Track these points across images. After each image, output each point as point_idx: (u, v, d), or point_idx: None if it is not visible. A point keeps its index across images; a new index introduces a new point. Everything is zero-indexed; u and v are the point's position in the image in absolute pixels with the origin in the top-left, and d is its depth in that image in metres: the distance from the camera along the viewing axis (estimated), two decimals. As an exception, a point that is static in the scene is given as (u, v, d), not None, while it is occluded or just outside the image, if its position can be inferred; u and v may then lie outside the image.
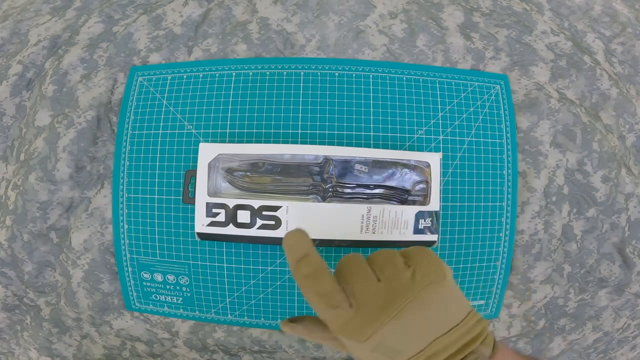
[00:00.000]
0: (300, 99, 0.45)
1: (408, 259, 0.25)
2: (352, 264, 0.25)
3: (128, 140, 0.45)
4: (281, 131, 0.44)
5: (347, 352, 0.29)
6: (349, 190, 0.40)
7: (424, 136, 0.45)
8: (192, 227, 0.44)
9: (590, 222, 0.47)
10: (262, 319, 0.46)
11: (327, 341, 0.27)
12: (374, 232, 0.40)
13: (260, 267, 0.44)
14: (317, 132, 0.44)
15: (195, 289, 0.45)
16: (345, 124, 0.44)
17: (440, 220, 0.44)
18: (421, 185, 0.41)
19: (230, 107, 0.45)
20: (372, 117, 0.45)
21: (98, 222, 0.45)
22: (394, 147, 0.44)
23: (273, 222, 0.39)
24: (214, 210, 0.40)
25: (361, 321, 0.23)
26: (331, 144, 0.44)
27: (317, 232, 0.40)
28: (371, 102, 0.45)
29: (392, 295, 0.23)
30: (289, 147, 0.40)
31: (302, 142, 0.44)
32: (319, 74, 0.46)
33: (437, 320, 0.23)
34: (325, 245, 0.40)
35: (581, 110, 0.48)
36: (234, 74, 0.46)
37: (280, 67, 0.46)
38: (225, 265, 0.44)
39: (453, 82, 0.46)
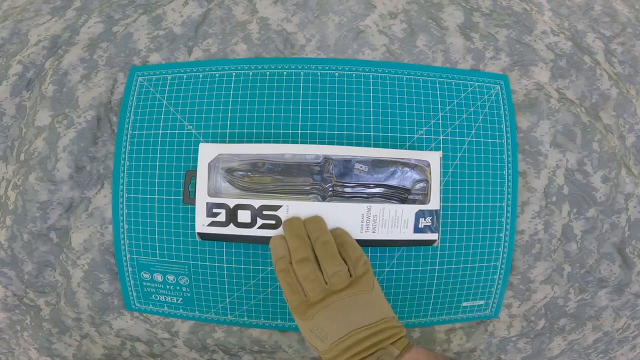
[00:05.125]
0: (300, 99, 0.45)
1: (353, 269, 0.35)
2: (307, 267, 0.35)
3: (128, 140, 0.45)
4: (281, 131, 0.44)
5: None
6: (349, 190, 0.40)
7: (424, 136, 0.45)
8: (192, 227, 0.44)
9: (590, 222, 0.47)
10: (262, 319, 0.46)
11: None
12: (374, 231, 0.40)
13: (260, 267, 0.44)
14: (317, 132, 0.44)
15: (195, 289, 0.45)
16: (345, 124, 0.44)
17: (441, 220, 0.44)
18: (421, 184, 0.41)
19: (230, 107, 0.45)
20: (372, 117, 0.45)
21: (98, 222, 0.45)
22: (394, 147, 0.44)
23: (273, 222, 0.39)
24: (214, 210, 0.40)
25: (306, 306, 0.35)
26: (331, 143, 0.44)
27: None
28: (371, 102, 0.45)
29: (329, 294, 0.34)
30: (289, 147, 0.40)
31: (302, 142, 0.44)
32: (319, 74, 0.46)
33: (355, 317, 0.33)
34: (325, 245, 0.40)
35: (581, 110, 0.48)
36: (234, 74, 0.46)
37: (280, 67, 0.46)
38: (225, 265, 0.44)
39: (453, 82, 0.46)
